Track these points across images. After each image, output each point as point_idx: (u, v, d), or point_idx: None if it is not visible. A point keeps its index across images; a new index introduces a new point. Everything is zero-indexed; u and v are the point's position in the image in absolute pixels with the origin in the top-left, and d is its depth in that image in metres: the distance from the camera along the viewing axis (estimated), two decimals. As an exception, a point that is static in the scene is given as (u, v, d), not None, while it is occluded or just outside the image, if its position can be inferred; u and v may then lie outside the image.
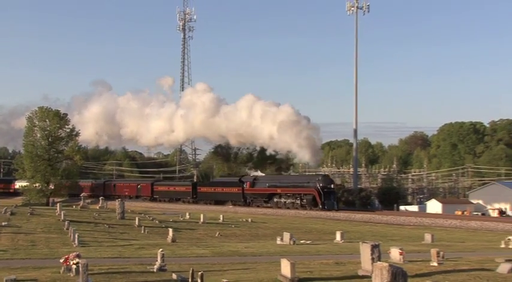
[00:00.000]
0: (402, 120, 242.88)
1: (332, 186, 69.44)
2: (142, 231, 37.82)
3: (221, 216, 53.02)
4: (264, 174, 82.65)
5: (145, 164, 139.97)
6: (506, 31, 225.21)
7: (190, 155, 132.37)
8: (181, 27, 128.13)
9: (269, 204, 73.98)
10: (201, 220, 48.40)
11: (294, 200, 70.68)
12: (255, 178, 78.57)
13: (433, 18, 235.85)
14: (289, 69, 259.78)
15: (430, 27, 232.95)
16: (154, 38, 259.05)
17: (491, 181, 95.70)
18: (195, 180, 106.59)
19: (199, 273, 15.83)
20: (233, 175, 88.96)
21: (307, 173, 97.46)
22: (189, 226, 44.47)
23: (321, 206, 65.78)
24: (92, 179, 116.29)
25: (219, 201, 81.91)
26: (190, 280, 16.22)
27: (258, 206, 74.56)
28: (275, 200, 73.26)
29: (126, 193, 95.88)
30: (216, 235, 38.08)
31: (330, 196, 67.16)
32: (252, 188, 76.52)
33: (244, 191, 77.40)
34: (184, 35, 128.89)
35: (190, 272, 16.45)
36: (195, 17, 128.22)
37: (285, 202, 71.90)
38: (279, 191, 73.21)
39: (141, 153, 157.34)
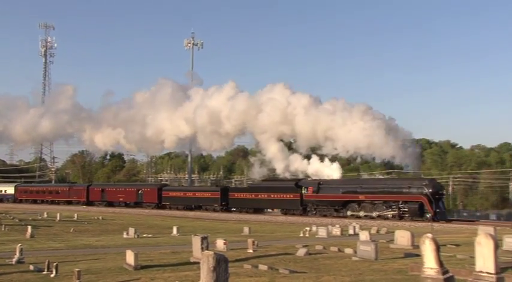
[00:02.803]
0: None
1: (443, 192, 49.70)
2: (2, 229, 34.95)
3: (75, 214, 50.78)
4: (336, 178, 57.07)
5: (8, 170, 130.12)
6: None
7: (49, 163, 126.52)
8: (42, 53, 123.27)
9: (341, 214, 50.88)
10: (58, 218, 46.03)
11: (386, 209, 47.89)
12: (320, 182, 53.80)
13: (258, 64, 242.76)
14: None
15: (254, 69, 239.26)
16: (17, 62, 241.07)
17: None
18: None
19: (55, 264, 15.11)
20: (279, 179, 62.64)
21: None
22: (46, 223, 41.93)
23: (428, 216, 44.53)
24: (70, 183, 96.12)
25: (259, 210, 59.50)
26: (46, 270, 15.44)
27: (326, 216, 51.25)
28: (351, 209, 50.44)
29: (121, 199, 73.04)
30: (71, 231, 36.17)
31: (439, 204, 46.26)
32: (317, 194, 52.91)
33: (304, 197, 53.91)
34: (45, 60, 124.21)
35: (46, 263, 15.67)
36: (55, 45, 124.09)
37: (365, 210, 49.11)
38: (361, 197, 49.69)
39: (4, 161, 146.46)
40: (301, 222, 47.47)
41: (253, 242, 22.29)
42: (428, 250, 11.71)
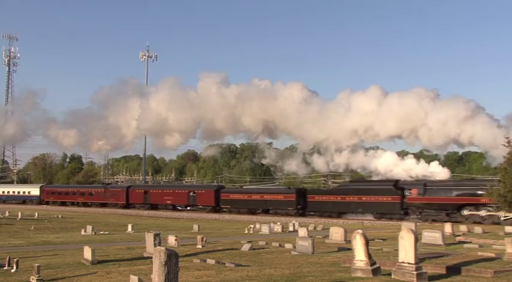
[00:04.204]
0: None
1: None
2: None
3: (36, 213, 49.09)
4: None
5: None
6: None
7: (12, 165, 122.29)
8: (6, 62, 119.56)
9: (453, 219, 39.19)
10: (19, 217, 44.31)
11: None
12: (426, 184, 43.45)
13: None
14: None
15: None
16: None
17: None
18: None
19: (15, 259, 14.61)
20: (372, 180, 51.67)
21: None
22: (8, 222, 40.29)
23: None
24: (106, 184, 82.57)
25: (341, 213, 48.80)
26: (7, 265, 14.87)
27: (435, 221, 40.40)
28: (466, 213, 39.91)
29: (169, 202, 62.21)
30: (32, 228, 34.98)
31: None
32: (423, 196, 42.59)
33: (407, 200, 43.71)
34: (8, 69, 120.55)
35: (7, 259, 15.11)
36: (19, 55, 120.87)
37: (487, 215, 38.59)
38: (483, 200, 38.25)
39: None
40: (246, 221, 47.59)
41: (202, 238, 22.20)
42: (358, 244, 12.05)
